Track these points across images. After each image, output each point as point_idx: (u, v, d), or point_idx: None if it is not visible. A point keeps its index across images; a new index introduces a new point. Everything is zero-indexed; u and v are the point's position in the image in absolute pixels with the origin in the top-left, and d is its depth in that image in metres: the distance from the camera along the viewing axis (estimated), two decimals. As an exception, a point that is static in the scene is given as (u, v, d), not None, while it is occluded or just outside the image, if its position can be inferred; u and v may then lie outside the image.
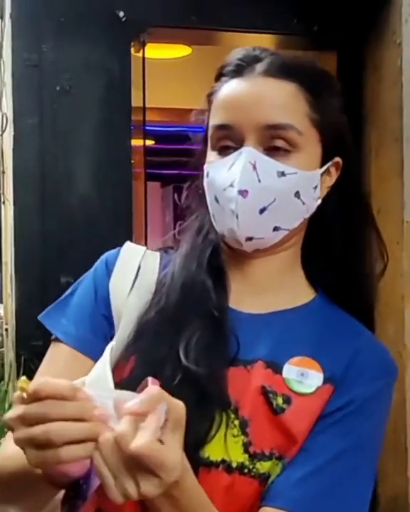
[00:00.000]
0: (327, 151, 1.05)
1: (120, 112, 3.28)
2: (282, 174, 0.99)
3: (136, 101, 3.45)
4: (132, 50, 3.47)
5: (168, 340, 0.98)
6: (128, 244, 1.15)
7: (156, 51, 4.40)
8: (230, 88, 1.02)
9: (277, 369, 1.00)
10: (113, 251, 1.14)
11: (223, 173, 1.00)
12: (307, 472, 0.96)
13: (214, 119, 1.03)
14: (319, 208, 1.07)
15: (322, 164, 1.05)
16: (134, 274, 1.08)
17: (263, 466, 0.95)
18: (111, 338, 1.02)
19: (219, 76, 1.07)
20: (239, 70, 1.03)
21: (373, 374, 1.03)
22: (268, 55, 1.04)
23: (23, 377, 0.75)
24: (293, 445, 0.97)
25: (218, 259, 1.06)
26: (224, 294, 1.03)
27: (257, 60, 1.03)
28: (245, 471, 0.95)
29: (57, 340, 1.06)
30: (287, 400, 0.98)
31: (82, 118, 3.29)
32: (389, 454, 3.45)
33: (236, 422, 0.96)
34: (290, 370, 1.00)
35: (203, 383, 0.93)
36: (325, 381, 1.00)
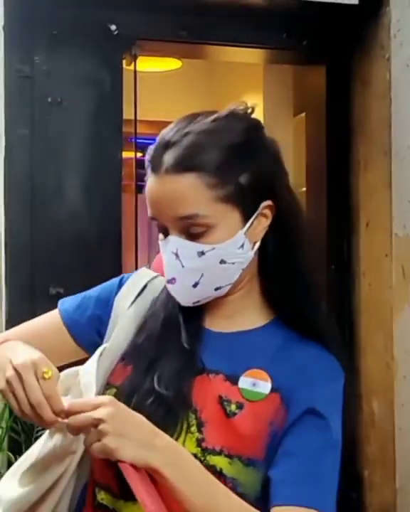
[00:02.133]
0: (247, 208, 1.17)
1: (111, 124, 3.30)
2: (202, 253, 1.15)
3: (126, 113, 3.47)
4: (124, 62, 3.49)
5: (147, 367, 1.20)
6: (143, 268, 1.37)
7: (147, 64, 4.43)
8: (149, 185, 1.19)
9: (235, 380, 1.18)
10: (131, 273, 1.37)
11: (163, 256, 1.20)
12: (292, 471, 1.13)
13: (148, 210, 1.21)
14: (263, 241, 1.21)
15: (246, 221, 1.17)
16: (138, 291, 1.30)
17: (212, 459, 1.13)
18: (100, 334, 1.29)
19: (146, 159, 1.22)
20: (152, 167, 1.18)
21: (324, 380, 1.20)
22: (180, 138, 1.15)
23: (51, 371, 1.07)
24: (242, 444, 1.14)
25: None
26: (199, 320, 1.24)
27: (167, 147, 1.16)
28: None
29: (59, 311, 1.35)
30: (240, 406, 1.16)
31: (74, 130, 3.30)
32: (376, 466, 3.46)
33: (194, 422, 1.16)
34: (245, 381, 1.18)
35: (170, 403, 1.15)
36: (273, 390, 1.17)
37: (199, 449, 1.14)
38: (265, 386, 1.17)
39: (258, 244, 1.20)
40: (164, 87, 5.39)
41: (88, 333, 1.30)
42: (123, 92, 3.40)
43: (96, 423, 1.03)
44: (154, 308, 1.28)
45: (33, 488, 1.20)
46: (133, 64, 3.60)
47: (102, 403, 1.04)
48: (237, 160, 1.16)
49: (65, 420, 1.07)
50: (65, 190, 3.24)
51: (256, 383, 1.17)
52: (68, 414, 1.06)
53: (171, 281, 1.18)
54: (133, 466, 1.04)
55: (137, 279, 1.33)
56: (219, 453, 1.14)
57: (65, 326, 1.32)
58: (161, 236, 1.20)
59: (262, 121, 4.34)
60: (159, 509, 1.03)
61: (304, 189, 4.31)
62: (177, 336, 1.22)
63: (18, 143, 3.25)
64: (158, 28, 3.40)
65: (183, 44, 3.56)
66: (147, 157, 1.20)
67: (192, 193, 1.14)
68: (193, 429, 1.16)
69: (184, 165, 1.14)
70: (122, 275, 1.36)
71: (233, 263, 1.18)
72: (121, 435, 1.02)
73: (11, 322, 3.20)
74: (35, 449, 1.21)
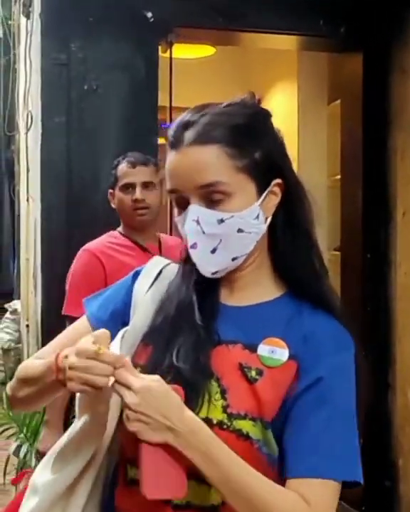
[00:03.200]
0: (261, 182, 1.25)
1: (147, 110, 3.31)
2: (222, 221, 1.23)
3: (161, 100, 3.47)
4: (159, 50, 3.49)
5: (165, 345, 1.26)
6: (157, 257, 1.44)
7: (181, 51, 4.42)
8: (170, 160, 1.26)
9: (253, 349, 1.24)
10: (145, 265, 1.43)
11: (183, 229, 1.26)
12: (303, 443, 1.18)
13: (167, 184, 1.28)
14: (273, 218, 1.29)
15: (260, 194, 1.26)
16: (153, 278, 1.37)
17: (238, 424, 1.19)
18: (125, 325, 1.32)
19: (167, 144, 1.29)
20: (173, 144, 1.25)
21: (333, 348, 1.24)
22: (198, 118, 1.24)
23: (102, 347, 1.12)
24: (262, 409, 1.19)
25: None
26: (214, 296, 1.31)
27: (187, 126, 1.24)
28: (224, 427, 1.19)
29: (87, 316, 1.40)
30: (260, 372, 1.22)
31: (109, 117, 3.32)
32: (399, 453, 3.45)
33: (218, 390, 1.21)
34: (263, 349, 1.24)
35: (189, 376, 1.21)
36: (290, 357, 1.23)
37: (225, 415, 1.20)
38: (282, 353, 1.23)
39: (269, 219, 1.28)
40: (197, 74, 5.38)
41: (115, 330, 1.32)
42: (158, 79, 3.40)
43: (124, 405, 1.12)
44: (169, 291, 1.34)
45: (67, 471, 1.24)
46: (168, 51, 3.59)
47: (133, 388, 1.11)
48: (251, 138, 1.25)
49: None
50: (101, 177, 3.25)
51: (274, 350, 1.23)
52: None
53: (194, 246, 1.25)
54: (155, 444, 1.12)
55: (151, 267, 1.40)
56: (244, 417, 1.19)
57: (94, 327, 1.35)
58: (176, 212, 1.28)
59: (296, 108, 4.36)
60: (157, 488, 1.11)
61: (338, 177, 4.29)
62: (192, 313, 1.28)
63: (55, 130, 3.28)
64: (194, 15, 3.40)
65: (218, 31, 3.56)
66: (169, 136, 1.26)
67: (215, 161, 1.22)
68: (217, 396, 1.21)
69: (206, 137, 1.22)
70: (135, 269, 1.42)
71: (249, 233, 1.25)
72: (141, 421, 1.10)
73: (48, 312, 3.24)
74: (66, 435, 1.26)
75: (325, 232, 4.81)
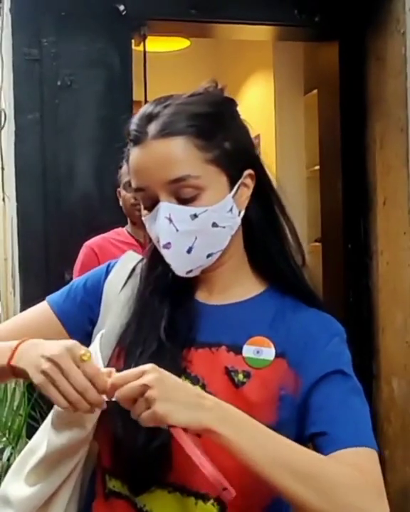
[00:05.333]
0: (232, 174, 1.20)
1: (122, 105, 3.27)
2: (195, 216, 1.17)
3: (136, 95, 3.43)
4: (132, 43, 3.45)
5: (138, 348, 1.20)
6: (130, 252, 1.37)
7: (155, 44, 4.38)
8: (134, 157, 1.19)
9: (238, 350, 1.19)
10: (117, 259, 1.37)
11: (152, 228, 1.19)
12: (329, 420, 1.14)
13: (133, 182, 1.21)
14: (247, 212, 1.24)
15: (232, 186, 1.20)
16: (127, 275, 1.30)
17: None
18: (92, 321, 1.27)
19: (128, 140, 1.22)
20: (136, 139, 1.18)
21: (326, 339, 1.21)
22: (161, 109, 1.18)
23: (89, 353, 1.04)
24: (253, 412, 1.10)
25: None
26: (191, 295, 1.26)
27: (150, 119, 1.18)
28: None
29: (48, 303, 1.33)
30: (247, 375, 1.17)
31: (84, 113, 3.27)
32: (397, 446, 3.44)
33: None
34: (248, 350, 1.19)
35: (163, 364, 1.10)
36: (277, 355, 1.19)
37: None
38: (269, 352, 1.19)
39: (242, 213, 1.23)
40: (172, 68, 5.35)
41: (80, 322, 1.28)
42: (133, 73, 3.36)
43: (143, 390, 1.00)
44: (140, 291, 1.27)
45: (46, 484, 1.18)
46: (142, 44, 3.55)
47: (145, 370, 1.02)
48: (219, 127, 1.20)
49: (111, 398, 1.04)
50: (76, 174, 3.22)
51: (260, 350, 1.19)
52: (113, 389, 1.03)
53: (167, 246, 1.18)
54: (185, 431, 1.02)
55: (124, 263, 1.34)
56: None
57: (57, 316, 1.30)
58: (144, 212, 1.21)
59: (273, 99, 4.34)
60: (216, 472, 1.00)
61: (317, 167, 4.27)
62: (164, 315, 1.23)
63: (28, 127, 3.23)
64: (167, 7, 3.36)
65: (192, 23, 3.52)
66: (130, 131, 1.20)
67: (183, 154, 1.16)
68: None
69: (171, 129, 1.16)
70: (108, 262, 1.35)
71: (224, 227, 1.19)
72: (169, 399, 1.00)
73: (26, 309, 3.19)
74: (41, 444, 1.20)
75: (305, 224, 4.80)
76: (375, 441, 1.14)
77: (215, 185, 1.18)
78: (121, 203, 2.79)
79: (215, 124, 1.19)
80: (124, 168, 2.68)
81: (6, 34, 3.42)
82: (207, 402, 1.03)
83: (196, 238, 1.18)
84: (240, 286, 1.27)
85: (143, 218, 1.22)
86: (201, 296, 1.27)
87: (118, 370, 1.12)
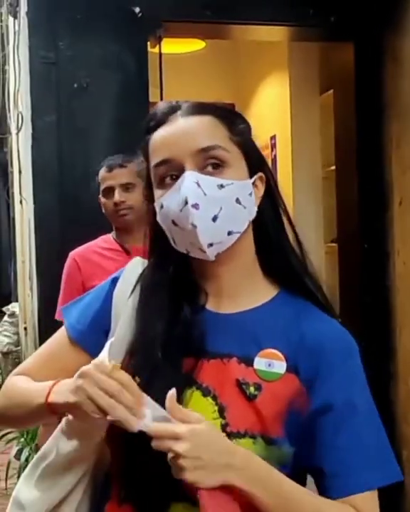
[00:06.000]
0: (250, 165, 1.24)
1: (138, 107, 3.28)
2: (222, 186, 1.18)
3: (152, 96, 3.44)
4: (148, 45, 3.46)
5: (147, 356, 1.20)
6: (137, 258, 1.37)
7: (170, 46, 4.39)
8: (160, 133, 1.21)
9: (249, 362, 1.19)
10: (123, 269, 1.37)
11: (176, 197, 1.18)
12: (340, 462, 1.17)
13: (155, 159, 1.21)
14: (257, 215, 1.25)
15: (250, 176, 1.23)
16: (134, 281, 1.30)
17: (238, 443, 1.14)
18: (106, 333, 1.27)
19: (148, 130, 1.24)
20: (164, 119, 1.22)
21: (340, 359, 1.21)
22: (184, 102, 1.24)
23: (118, 364, 1.08)
24: (263, 424, 1.15)
25: (189, 276, 1.28)
26: (202, 303, 1.25)
27: (175, 109, 1.22)
28: None
29: (66, 330, 1.34)
30: (258, 388, 1.17)
31: (100, 115, 3.29)
32: (403, 445, 3.44)
33: (215, 408, 1.17)
34: (260, 362, 1.19)
35: (173, 374, 1.17)
36: (288, 369, 1.19)
37: (224, 434, 1.15)
38: (280, 366, 1.19)
39: (256, 209, 1.25)
40: (188, 69, 5.36)
41: (96, 339, 1.27)
42: (148, 75, 3.37)
43: (176, 456, 1.04)
44: (149, 298, 1.27)
45: (55, 489, 1.20)
46: (158, 46, 3.56)
47: (180, 436, 1.05)
48: (238, 122, 1.25)
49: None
50: (93, 175, 3.22)
51: (271, 363, 1.19)
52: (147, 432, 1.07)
53: (195, 205, 1.16)
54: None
55: (131, 268, 1.34)
56: (244, 435, 1.15)
57: (75, 340, 1.31)
58: (160, 192, 1.21)
59: (288, 99, 4.32)
60: None
61: (333, 167, 4.27)
62: (178, 324, 1.23)
63: (45, 130, 3.24)
64: (182, 9, 3.37)
65: (207, 24, 3.52)
66: (156, 115, 1.23)
67: (213, 128, 1.20)
68: (215, 415, 1.16)
69: (202, 109, 1.22)
70: (112, 275, 1.36)
71: (245, 207, 1.21)
72: (198, 468, 1.04)
73: (44, 313, 3.21)
74: (52, 451, 1.21)
75: (322, 224, 4.79)
76: (394, 465, 1.19)
77: (238, 165, 1.21)
78: (103, 210, 2.77)
79: (234, 118, 1.25)
80: (102, 174, 2.72)
81: (22, 38, 3.45)
82: (236, 462, 1.07)
83: (221, 208, 1.18)
84: (251, 292, 1.27)
85: (157, 201, 1.22)
86: (211, 304, 1.26)
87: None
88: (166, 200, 1.20)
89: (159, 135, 1.21)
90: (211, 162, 1.18)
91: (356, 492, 1.15)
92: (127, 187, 2.68)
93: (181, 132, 1.19)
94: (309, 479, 1.21)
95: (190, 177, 1.16)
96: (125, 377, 1.08)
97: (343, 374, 1.20)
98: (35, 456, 1.26)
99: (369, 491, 1.16)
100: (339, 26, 3.56)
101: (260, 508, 1.09)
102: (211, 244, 1.19)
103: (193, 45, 5.13)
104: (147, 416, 1.07)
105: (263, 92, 5.50)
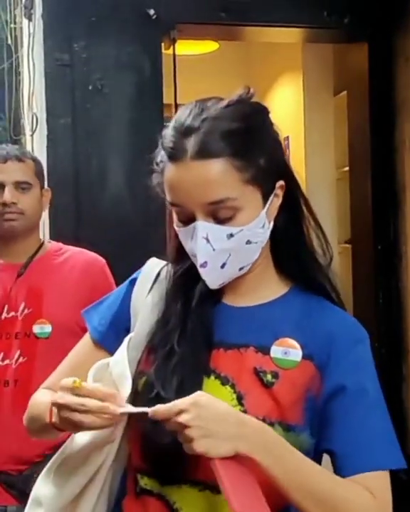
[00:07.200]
0: (266, 189, 1.21)
1: (152, 109, 3.30)
2: (231, 236, 1.19)
3: (166, 97, 3.46)
4: (162, 47, 3.48)
5: (168, 351, 1.23)
6: (153, 258, 1.39)
7: (183, 47, 4.40)
8: (171, 174, 1.18)
9: (265, 351, 1.22)
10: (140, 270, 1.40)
11: (188, 243, 1.21)
12: (349, 442, 1.19)
13: (168, 196, 1.21)
14: (276, 217, 1.26)
15: (265, 201, 1.22)
16: (152, 280, 1.33)
17: None
18: (127, 331, 1.30)
19: (162, 145, 1.20)
20: (173, 156, 1.17)
21: (350, 344, 1.24)
22: (199, 124, 1.16)
23: (78, 380, 1.10)
24: (281, 411, 1.18)
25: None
26: (219, 298, 1.29)
27: (187, 133, 1.16)
28: None
29: (90, 336, 1.37)
30: (276, 375, 1.20)
31: (115, 116, 3.31)
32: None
33: (233, 396, 1.19)
34: (276, 350, 1.22)
35: (190, 383, 1.18)
36: (304, 357, 1.22)
37: None
38: (296, 354, 1.22)
39: (272, 223, 1.25)
40: (201, 70, 5.37)
41: (117, 339, 1.30)
42: (163, 76, 3.39)
43: (182, 428, 1.05)
44: (168, 294, 1.31)
45: (71, 484, 1.22)
46: (171, 48, 3.58)
47: (184, 409, 1.06)
48: (255, 143, 1.20)
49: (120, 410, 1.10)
50: (109, 177, 3.25)
51: (288, 351, 1.22)
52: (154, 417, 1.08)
53: (204, 265, 1.20)
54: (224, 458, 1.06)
55: (149, 269, 1.37)
56: (262, 422, 1.15)
57: (98, 342, 1.34)
58: (179, 224, 1.22)
59: (302, 100, 4.33)
60: (246, 505, 1.05)
61: (346, 168, 4.27)
62: (195, 316, 1.26)
63: (61, 131, 3.26)
64: (197, 11, 3.38)
65: (221, 26, 3.54)
66: (167, 144, 1.18)
67: (223, 177, 1.16)
68: (234, 402, 1.18)
69: (211, 150, 1.15)
70: (131, 277, 1.39)
71: (256, 243, 1.22)
72: (206, 436, 1.05)
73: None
74: (68, 445, 1.24)
75: (335, 225, 4.79)
76: (399, 453, 1.20)
77: (250, 205, 1.19)
78: None
79: (250, 142, 1.19)
80: None
81: (37, 40, 3.47)
82: (247, 430, 1.08)
83: (229, 255, 1.20)
84: (266, 287, 1.30)
85: (176, 229, 1.24)
86: (228, 299, 1.29)
87: (148, 371, 1.22)
88: (181, 235, 1.23)
89: (171, 175, 1.18)
90: (222, 212, 1.17)
91: (365, 470, 1.16)
92: (22, 186, 2.22)
93: (189, 182, 1.16)
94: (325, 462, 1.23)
95: (200, 230, 1.17)
96: (89, 388, 1.10)
97: (354, 358, 1.23)
98: (56, 454, 1.27)
99: (381, 471, 1.18)
100: (353, 28, 3.57)
101: (273, 482, 1.09)
102: (222, 283, 1.24)
103: (206, 47, 5.14)
104: (128, 407, 1.11)
105: (276, 93, 5.50)
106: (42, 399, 1.32)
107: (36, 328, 2.19)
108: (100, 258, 2.39)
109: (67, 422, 1.10)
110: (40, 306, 2.22)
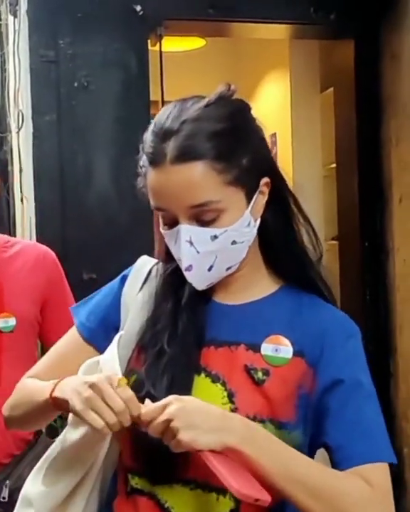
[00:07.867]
0: (250, 188, 1.20)
1: (139, 106, 3.28)
2: (215, 237, 1.18)
3: (152, 94, 3.44)
4: (149, 43, 3.46)
5: (159, 350, 1.23)
6: (144, 256, 1.39)
7: (170, 44, 4.39)
8: (152, 179, 1.18)
9: (256, 348, 1.22)
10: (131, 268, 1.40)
11: (172, 246, 1.21)
12: (343, 434, 1.18)
13: (151, 200, 1.20)
14: (262, 215, 1.25)
15: (249, 199, 1.20)
16: (143, 279, 1.33)
17: None
18: (117, 328, 1.30)
19: (143, 150, 1.20)
20: (153, 161, 1.16)
21: (342, 339, 1.24)
22: (178, 126, 1.15)
23: (124, 378, 1.11)
24: (272, 409, 1.18)
25: None
26: (210, 296, 1.28)
27: (166, 137, 1.14)
28: None
29: (78, 329, 1.37)
30: (266, 373, 1.20)
31: (101, 113, 3.29)
32: (403, 442, 3.45)
33: (224, 394, 1.19)
34: (267, 348, 1.22)
35: (182, 381, 1.19)
36: (295, 354, 1.22)
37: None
38: (286, 351, 1.22)
39: (258, 221, 1.24)
40: (188, 67, 5.35)
41: (106, 336, 1.30)
42: (149, 73, 3.37)
43: (168, 422, 1.06)
44: (158, 292, 1.31)
45: (61, 484, 1.22)
46: (158, 44, 3.56)
47: (167, 403, 1.08)
48: (237, 143, 1.18)
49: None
50: (95, 174, 3.23)
51: (278, 349, 1.22)
52: (143, 423, 1.09)
53: (189, 268, 1.20)
54: (213, 451, 1.07)
55: (140, 266, 1.37)
56: (253, 420, 1.16)
57: (85, 338, 1.34)
58: (165, 227, 1.22)
59: (289, 97, 4.32)
60: (245, 487, 1.05)
61: (333, 165, 4.27)
62: (185, 314, 1.26)
63: (46, 128, 3.24)
64: (183, 7, 3.37)
65: (208, 22, 3.52)
66: (147, 149, 1.18)
67: (204, 180, 1.15)
68: (225, 400, 1.19)
69: (191, 154, 1.14)
70: (122, 273, 1.38)
71: (242, 242, 1.22)
72: (191, 427, 1.06)
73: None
74: (59, 443, 1.24)
75: (322, 222, 4.79)
76: (391, 448, 1.19)
77: (234, 205, 1.18)
78: None
79: (232, 142, 1.17)
80: None
81: (22, 36, 3.44)
82: (232, 423, 1.09)
83: (216, 257, 1.20)
84: (257, 286, 1.30)
85: (162, 231, 1.23)
86: (219, 297, 1.29)
87: (138, 370, 1.22)
88: (168, 239, 1.23)
89: (152, 179, 1.18)
90: (205, 215, 1.17)
91: (361, 462, 1.15)
92: None
93: (170, 186, 1.15)
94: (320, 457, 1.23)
95: (183, 234, 1.17)
96: (129, 393, 1.10)
97: (347, 352, 1.23)
98: (45, 454, 1.27)
99: (379, 463, 1.16)
100: (340, 24, 3.56)
101: (265, 476, 1.09)
102: (210, 284, 1.24)
103: (193, 43, 5.13)
104: None
105: (263, 90, 5.50)
106: (34, 383, 1.31)
107: (0, 322, 2.17)
108: (51, 251, 2.36)
109: (89, 414, 1.08)
110: (1, 300, 2.20)
